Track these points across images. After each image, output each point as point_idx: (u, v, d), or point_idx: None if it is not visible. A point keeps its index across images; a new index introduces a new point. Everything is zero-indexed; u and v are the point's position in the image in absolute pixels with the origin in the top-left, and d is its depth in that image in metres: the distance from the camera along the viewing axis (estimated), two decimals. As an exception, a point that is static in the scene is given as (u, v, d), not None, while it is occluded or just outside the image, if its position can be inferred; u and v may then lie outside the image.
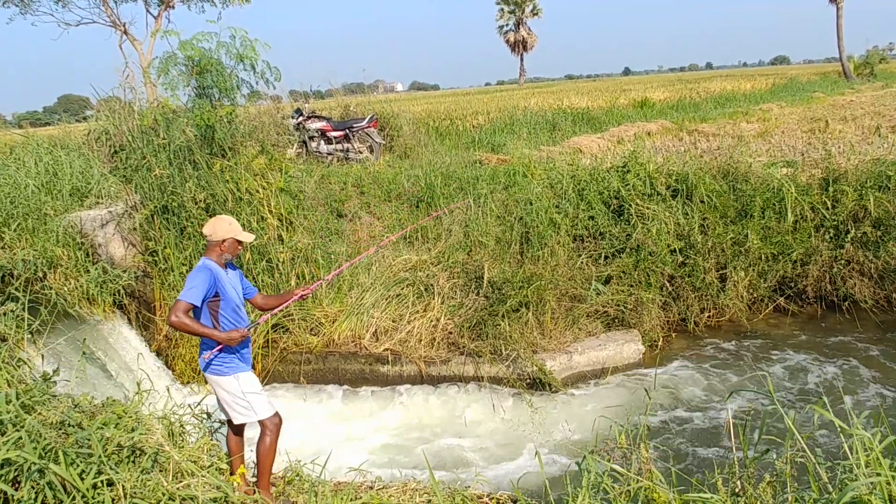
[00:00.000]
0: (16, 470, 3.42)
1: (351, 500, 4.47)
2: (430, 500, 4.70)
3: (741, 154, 11.21)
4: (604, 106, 25.76)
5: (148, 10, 20.90)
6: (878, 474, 2.89)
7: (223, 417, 5.27)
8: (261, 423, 5.01)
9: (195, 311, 4.75)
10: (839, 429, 3.10)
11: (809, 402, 7.55)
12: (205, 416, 5.59)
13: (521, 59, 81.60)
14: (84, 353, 5.52)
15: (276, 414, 5.07)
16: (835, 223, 10.00)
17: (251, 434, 5.17)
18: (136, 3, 26.39)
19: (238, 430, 5.19)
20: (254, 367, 8.65)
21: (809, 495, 3.20)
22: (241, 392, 4.90)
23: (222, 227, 4.99)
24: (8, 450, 3.33)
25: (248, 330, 4.98)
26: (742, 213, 10.11)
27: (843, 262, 9.87)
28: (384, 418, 8.11)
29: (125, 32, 20.29)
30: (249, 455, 5.30)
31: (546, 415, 7.68)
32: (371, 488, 5.09)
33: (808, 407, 3.36)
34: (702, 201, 10.03)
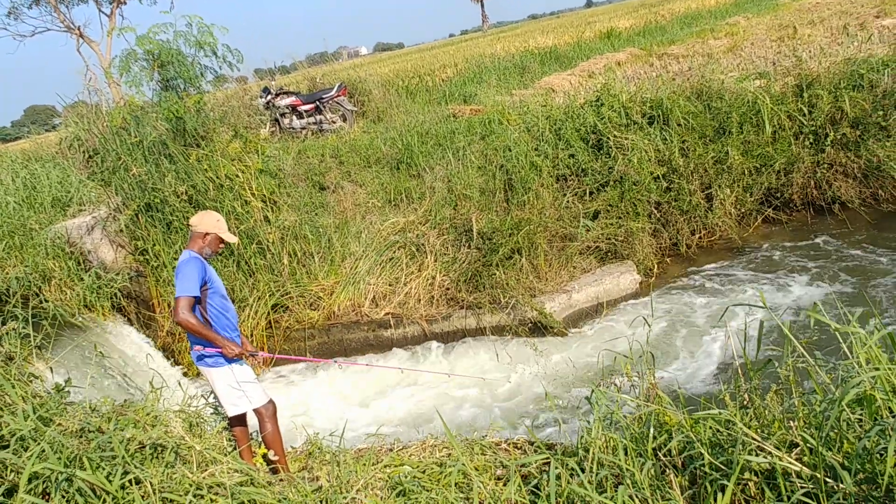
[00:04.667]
0: (44, 482, 3.49)
1: (373, 464, 4.57)
2: (449, 454, 4.79)
3: (712, 72, 11.17)
4: (570, 42, 25.48)
5: (100, 10, 20.58)
6: (878, 369, 2.98)
7: None
8: (256, 412, 5.09)
9: None
10: (834, 329, 3.17)
11: (806, 308, 7.67)
12: (219, 403, 5.66)
13: (482, 6, 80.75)
14: (100, 353, 5.55)
15: (270, 401, 5.16)
16: (813, 128, 10.02)
17: (253, 419, 5.25)
18: (87, 4, 25.97)
19: (239, 420, 5.26)
20: (261, 349, 8.77)
21: (815, 398, 3.28)
22: (237, 382, 4.97)
23: (209, 220, 5.02)
24: (33, 464, 3.39)
25: (250, 355, 5.05)
26: (720, 130, 10.12)
27: (825, 165, 9.93)
28: (393, 381, 8.20)
29: (81, 35, 20.00)
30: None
31: (552, 355, 7.79)
32: (391, 450, 5.18)
33: (804, 312, 3.43)
34: (679, 124, 10.03)
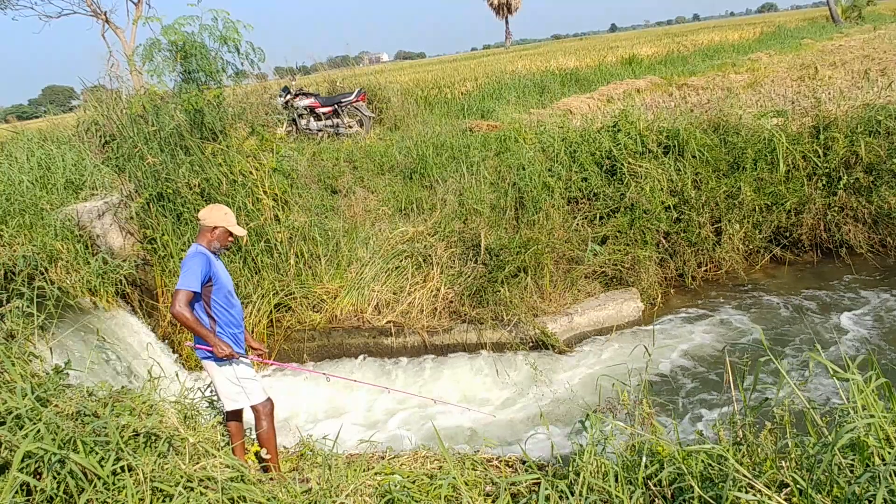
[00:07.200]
0: (37, 461, 3.51)
1: (364, 470, 4.58)
2: (440, 466, 4.80)
3: (731, 106, 11.21)
4: (592, 65, 25.55)
5: (127, -3, 20.77)
6: (873, 416, 2.99)
7: None
8: (253, 409, 5.09)
9: None
10: (832, 374, 3.18)
11: (807, 349, 7.66)
12: (215, 397, 5.68)
13: (507, 22, 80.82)
14: (102, 338, 5.57)
15: (269, 399, 5.16)
16: (827, 170, 10.04)
17: (249, 416, 5.25)
18: (115, -10, 26.31)
19: (236, 415, 5.26)
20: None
21: (809, 440, 3.29)
22: (236, 378, 4.97)
23: (217, 214, 5.01)
24: (28, 443, 3.42)
25: (241, 356, 4.99)
26: (734, 165, 10.15)
27: (836, 208, 9.94)
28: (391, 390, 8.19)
29: (107, 21, 20.16)
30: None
31: (550, 376, 7.79)
32: (383, 458, 5.19)
33: (804, 354, 3.44)
34: (693, 156, 10.06)
